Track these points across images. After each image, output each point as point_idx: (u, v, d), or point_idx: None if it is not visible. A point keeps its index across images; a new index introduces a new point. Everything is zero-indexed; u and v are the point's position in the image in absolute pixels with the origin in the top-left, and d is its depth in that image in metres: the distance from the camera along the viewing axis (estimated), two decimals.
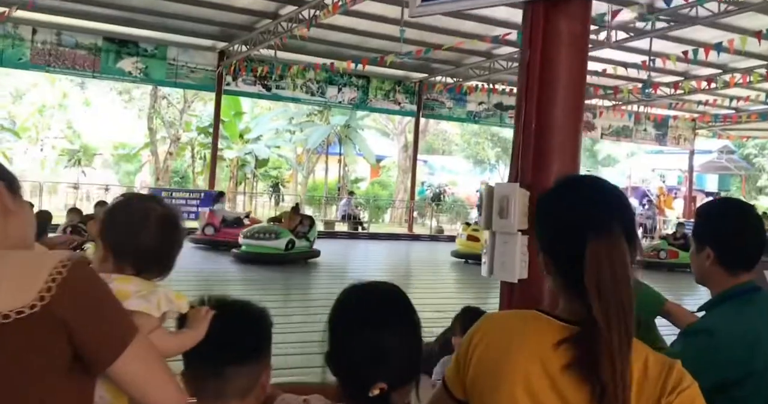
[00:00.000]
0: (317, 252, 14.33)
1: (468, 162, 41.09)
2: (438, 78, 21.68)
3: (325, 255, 14.58)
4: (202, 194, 20.35)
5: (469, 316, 3.54)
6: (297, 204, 15.69)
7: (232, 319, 1.68)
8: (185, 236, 1.87)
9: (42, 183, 20.63)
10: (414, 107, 23.16)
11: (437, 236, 22.83)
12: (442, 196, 30.58)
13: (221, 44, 18.95)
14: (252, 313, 1.75)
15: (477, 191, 33.86)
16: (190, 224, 19.99)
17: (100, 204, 9.61)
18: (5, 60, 17.73)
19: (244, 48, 18.32)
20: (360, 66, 17.10)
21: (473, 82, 21.52)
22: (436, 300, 10.34)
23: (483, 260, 2.17)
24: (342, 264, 15.02)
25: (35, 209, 8.06)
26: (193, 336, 1.62)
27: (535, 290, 1.96)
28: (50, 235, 9.53)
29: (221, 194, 18.02)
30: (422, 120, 26.02)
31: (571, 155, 1.98)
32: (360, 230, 23.16)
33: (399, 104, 22.87)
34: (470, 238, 15.59)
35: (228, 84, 20.08)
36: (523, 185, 1.99)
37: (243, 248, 13.41)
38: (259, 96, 21.73)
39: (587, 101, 21.49)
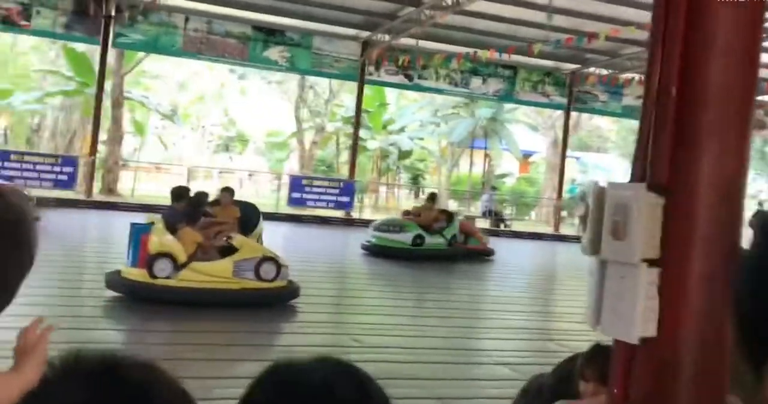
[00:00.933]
0: (460, 251, 13.18)
1: (624, 161, 38.99)
2: (591, 69, 20.38)
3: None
4: (341, 183, 20.20)
5: (602, 358, 2.77)
6: (433, 194, 14.78)
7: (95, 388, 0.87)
8: (34, 249, 1.08)
9: (190, 168, 21.25)
10: (564, 100, 21.96)
11: None
12: None
13: (364, 33, 18.71)
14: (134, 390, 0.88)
15: (569, 194, 30.70)
16: (325, 212, 19.94)
17: (226, 190, 9.42)
18: (159, 47, 18.32)
19: (386, 37, 17.94)
20: (505, 55, 16.24)
21: (630, 74, 20.06)
22: (580, 310, 9.46)
23: (587, 300, 1.46)
24: (477, 263, 14.18)
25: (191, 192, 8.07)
26: (13, 383, 0.97)
27: (668, 355, 1.22)
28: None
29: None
30: (573, 114, 24.69)
31: (734, 145, 1.21)
32: (502, 227, 22.25)
33: (548, 96, 21.74)
34: None
35: (370, 74, 19.81)
36: (652, 187, 1.23)
37: (372, 240, 12.94)
38: (401, 86, 21.33)
39: (758, 98, 19.55)
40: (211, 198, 9.51)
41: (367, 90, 21.70)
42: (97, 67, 18.93)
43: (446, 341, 7.07)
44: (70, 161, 17.98)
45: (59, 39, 20.07)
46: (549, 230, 23.09)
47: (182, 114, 34.74)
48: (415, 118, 29.41)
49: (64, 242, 11.32)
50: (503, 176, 33.23)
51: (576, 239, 17.21)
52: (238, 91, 41.31)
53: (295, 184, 19.67)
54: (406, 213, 13.94)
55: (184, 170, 21.81)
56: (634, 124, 27.09)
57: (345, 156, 29.13)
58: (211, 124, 39.49)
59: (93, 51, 21.48)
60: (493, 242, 19.05)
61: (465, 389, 5.51)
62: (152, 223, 7.43)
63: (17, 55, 30.63)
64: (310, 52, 19.13)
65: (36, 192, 16.88)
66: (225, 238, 7.76)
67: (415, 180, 24.70)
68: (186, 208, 7.63)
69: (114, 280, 7.26)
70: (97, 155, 19.67)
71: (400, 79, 20.15)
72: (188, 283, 7.19)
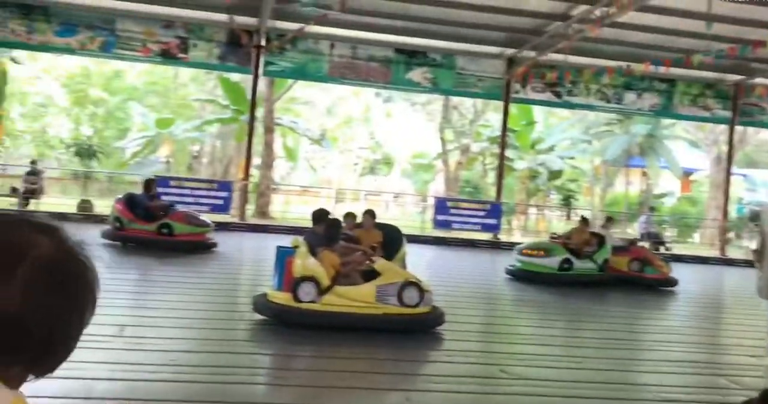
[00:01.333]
0: (605, 277, 12.40)
1: None
2: (758, 80, 18.89)
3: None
4: (488, 205, 19.79)
5: None
6: (584, 217, 14.08)
7: None
8: (93, 300, 0.95)
9: (338, 191, 21.58)
10: (728, 114, 20.48)
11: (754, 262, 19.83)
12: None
13: (509, 51, 18.31)
14: None
15: (736, 214, 28.35)
16: (472, 235, 19.61)
17: (368, 213, 9.32)
18: (307, 73, 18.80)
19: (532, 54, 17.45)
20: (662, 68, 15.32)
21: None
22: (754, 342, 8.57)
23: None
24: (632, 290, 13.32)
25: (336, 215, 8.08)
26: None
27: None
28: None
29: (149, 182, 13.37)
30: (739, 128, 23.02)
31: None
32: (663, 250, 20.94)
33: (709, 109, 20.35)
34: None
35: (517, 92, 19.35)
36: None
37: (517, 264, 12.44)
38: (549, 104, 20.68)
39: None
40: (357, 220, 9.50)
41: (514, 109, 21.24)
42: (249, 96, 19.68)
43: (602, 374, 6.54)
44: (226, 186, 18.71)
45: (214, 69, 21.07)
46: (714, 253, 21.53)
47: (330, 138, 35.62)
48: (565, 136, 28.53)
49: (219, 264, 11.67)
50: (662, 195, 31.55)
51: (745, 263, 15.89)
52: (384, 114, 41.97)
53: (441, 206, 19.47)
54: (555, 236, 13.31)
55: (333, 192, 22.16)
56: None
57: (491, 177, 28.69)
58: (358, 147, 40.30)
59: (246, 80, 22.43)
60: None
61: None
62: (296, 246, 7.42)
63: (178, 87, 32.63)
64: (454, 72, 18.96)
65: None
66: (367, 262, 7.60)
67: (567, 201, 23.79)
68: (325, 231, 7.57)
69: (261, 303, 7.31)
70: (251, 179, 20.38)
71: (547, 96, 19.53)
72: (331, 307, 7.07)
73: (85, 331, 0.93)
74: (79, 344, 0.96)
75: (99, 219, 16.44)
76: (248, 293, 9.86)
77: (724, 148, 26.10)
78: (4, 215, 0.93)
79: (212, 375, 5.42)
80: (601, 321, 9.72)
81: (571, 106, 20.85)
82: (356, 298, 7.14)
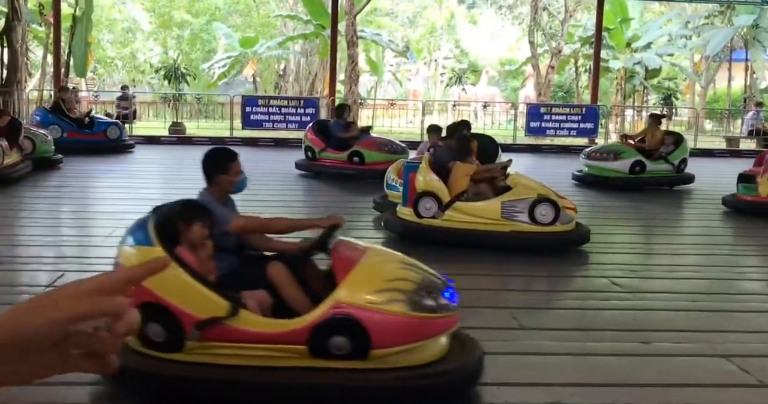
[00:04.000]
0: (685, 177, 11.52)
1: None
2: None
3: (703, 180, 12.10)
4: (583, 109, 18.96)
5: None
6: (655, 114, 12.91)
7: None
8: None
9: (425, 103, 21.08)
10: None
11: None
12: None
13: None
14: None
15: None
16: (568, 140, 18.90)
17: (463, 124, 8.97)
18: None
19: None
20: None
21: None
22: None
23: None
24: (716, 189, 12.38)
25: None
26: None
27: None
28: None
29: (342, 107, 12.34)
30: None
31: None
32: None
33: None
34: None
35: None
36: None
37: (585, 169, 11.73)
38: None
39: None
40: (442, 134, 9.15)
41: (607, 5, 19.95)
42: (330, 9, 19.19)
43: (715, 284, 6.13)
44: (312, 103, 18.54)
45: None
46: None
47: (414, 49, 34.78)
48: (663, 32, 26.83)
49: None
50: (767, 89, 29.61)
51: None
52: (468, 21, 40.57)
53: (533, 112, 18.78)
54: (625, 137, 12.38)
55: (420, 104, 21.70)
56: None
57: (584, 80, 27.49)
58: (444, 57, 39.28)
59: None
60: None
61: (756, 344, 4.65)
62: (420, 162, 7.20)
63: (259, 5, 32.28)
64: None
65: (284, 134, 17.67)
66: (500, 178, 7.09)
67: (667, 101, 22.53)
68: (457, 144, 7.22)
69: (389, 219, 7.18)
70: (337, 95, 20.14)
71: None
72: (453, 223, 6.75)
73: None
74: None
75: (190, 140, 16.64)
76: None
77: None
78: None
79: None
80: (680, 227, 9.21)
81: None
82: (479, 214, 6.74)
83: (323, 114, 18.74)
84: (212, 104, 25.38)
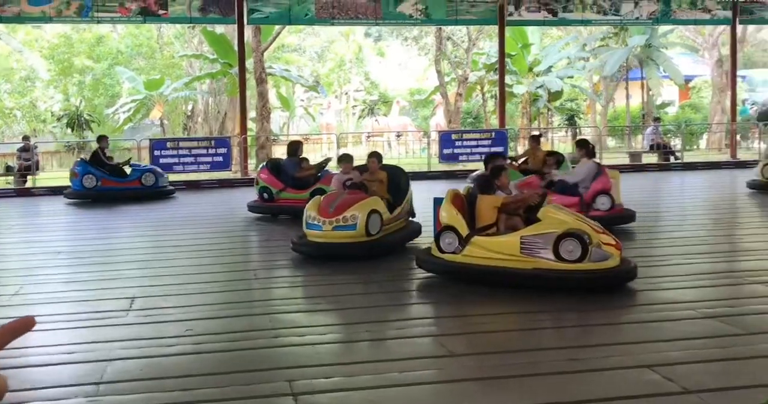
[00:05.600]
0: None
1: None
2: None
3: (632, 192, 12.59)
4: (493, 134, 19.37)
5: None
6: (534, 135, 13.16)
7: None
8: None
9: (339, 136, 21.12)
10: (728, 13, 19.79)
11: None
12: None
13: None
14: None
15: (741, 116, 28.56)
16: (480, 165, 19.22)
17: (373, 155, 8.89)
18: (293, 17, 18.14)
19: None
20: None
21: None
22: None
23: None
24: (648, 201, 13.07)
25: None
26: None
27: None
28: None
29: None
30: (739, 28, 22.32)
31: None
32: (673, 160, 20.57)
33: (709, 11, 19.66)
34: None
35: (510, 14, 18.68)
36: None
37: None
38: (546, 23, 20.00)
39: None
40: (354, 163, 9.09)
41: (507, 33, 20.54)
42: (236, 47, 19.08)
43: (633, 294, 6.26)
44: (223, 142, 18.31)
45: (196, 23, 20.41)
46: (725, 157, 21.14)
47: (324, 83, 34.94)
48: (562, 55, 27.82)
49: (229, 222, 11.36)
50: (664, 105, 30.99)
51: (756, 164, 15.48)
52: (376, 54, 41.12)
53: (445, 139, 19.06)
54: (510, 159, 12.50)
55: (334, 137, 21.73)
56: None
57: (491, 105, 28.15)
58: (354, 90, 39.61)
59: (231, 31, 21.76)
60: (665, 178, 17.69)
61: (675, 352, 4.74)
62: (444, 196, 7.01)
63: (163, 46, 31.85)
64: (445, 0, 18.29)
65: (194, 176, 17.39)
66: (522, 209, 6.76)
67: (571, 121, 23.28)
68: (486, 176, 7.06)
69: (421, 257, 6.93)
70: (249, 133, 19.95)
71: (543, 15, 18.85)
72: (472, 259, 6.45)
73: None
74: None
75: None
76: (266, 251, 9.61)
77: (725, 50, 25.42)
78: None
79: (234, 341, 5.15)
80: None
81: (568, 22, 20.19)
82: (497, 249, 6.34)
83: (235, 153, 18.52)
84: (119, 149, 24.73)
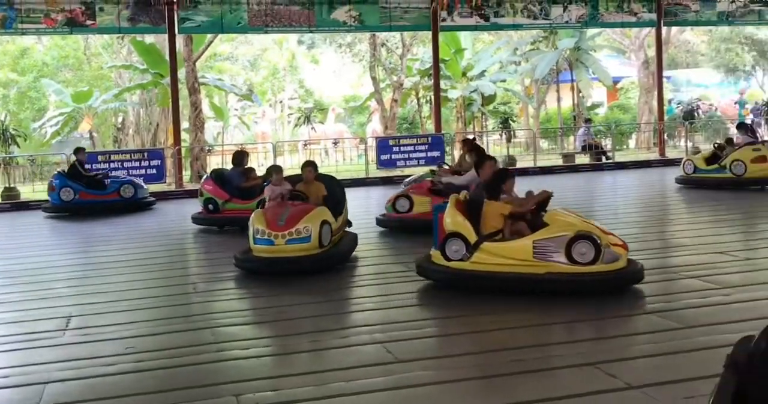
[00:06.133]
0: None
1: (718, 72, 36.82)
2: None
3: (566, 191, 12.90)
4: (429, 138, 19.51)
5: None
6: (466, 139, 13.07)
7: None
8: None
9: (275, 144, 20.94)
10: (653, 16, 20.40)
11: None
12: (695, 113, 27.27)
13: None
14: None
15: (736, 104, 30.00)
16: (417, 170, 19.33)
17: (309, 165, 8.65)
18: (225, 26, 17.94)
19: None
20: None
21: None
22: (715, 239, 8.56)
23: None
24: (582, 201, 13.37)
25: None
26: None
27: None
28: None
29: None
30: (664, 30, 23.02)
31: None
32: (604, 160, 21.07)
33: (635, 14, 20.23)
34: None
35: (444, 20, 18.86)
36: None
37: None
38: (479, 28, 20.29)
39: None
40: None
41: (441, 38, 20.74)
42: (168, 57, 18.76)
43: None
44: (156, 154, 17.96)
45: (126, 33, 19.99)
46: (654, 156, 21.76)
47: (258, 92, 34.63)
48: (494, 60, 28.17)
49: (164, 237, 11.13)
50: (594, 107, 31.70)
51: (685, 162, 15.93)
52: (310, 61, 40.97)
53: (382, 146, 19.09)
54: (441, 165, 12.45)
55: (270, 146, 21.54)
56: (727, 32, 25.65)
57: (426, 110, 28.34)
58: (289, 98, 39.35)
59: (162, 41, 21.35)
60: (598, 178, 18.11)
61: (616, 348, 4.83)
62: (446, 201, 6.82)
63: (90, 57, 31.07)
64: (378, 7, 18.35)
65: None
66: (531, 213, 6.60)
67: (505, 124, 23.68)
68: (489, 181, 6.77)
69: (423, 265, 6.75)
70: (182, 144, 19.61)
71: (475, 20, 19.08)
72: (482, 266, 6.30)
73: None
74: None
75: (26, 206, 15.61)
76: (202, 263, 9.44)
77: (651, 51, 26.16)
78: None
79: (176, 358, 5.03)
80: None
81: (499, 27, 20.50)
82: (510, 255, 6.21)
83: (169, 165, 18.17)
84: (47, 164, 23.97)
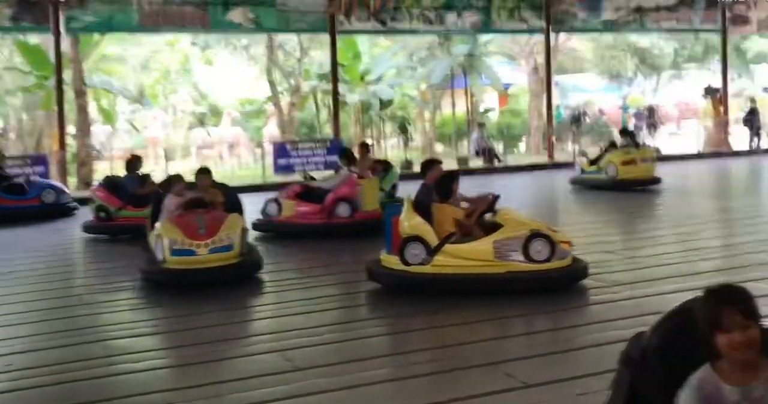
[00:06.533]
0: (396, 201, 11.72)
1: (602, 78, 38.51)
2: None
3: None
4: (328, 143, 19.44)
5: (740, 297, 2.08)
6: (363, 142, 13.50)
7: None
8: None
9: (167, 149, 20.40)
10: (542, 23, 21.10)
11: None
12: (582, 117, 28.35)
13: None
14: None
15: (621, 109, 31.41)
16: (316, 174, 19.24)
17: (203, 172, 8.35)
18: (115, 25, 17.35)
19: None
20: None
21: None
22: (603, 238, 8.89)
23: None
24: None
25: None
26: None
27: None
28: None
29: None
30: (552, 37, 23.83)
31: None
32: (497, 163, 21.59)
33: (526, 22, 20.87)
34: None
35: (342, 24, 18.87)
36: None
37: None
38: (376, 32, 20.44)
39: None
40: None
41: (339, 43, 20.76)
42: (53, 58, 17.93)
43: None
44: (41, 160, 17.11)
45: (7, 32, 19.02)
46: (544, 159, 22.46)
47: (149, 95, 33.63)
48: (391, 65, 28.42)
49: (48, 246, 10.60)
50: (486, 111, 32.46)
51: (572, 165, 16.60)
52: (204, 63, 40.10)
53: (280, 150, 18.87)
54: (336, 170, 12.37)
55: (161, 151, 20.95)
56: (611, 40, 26.65)
57: (325, 114, 28.30)
58: (182, 100, 38.39)
59: (47, 41, 20.39)
60: (491, 180, 18.49)
61: (512, 348, 4.91)
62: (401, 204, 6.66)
63: None
64: (275, 9, 18.14)
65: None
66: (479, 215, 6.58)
67: (403, 128, 23.92)
68: (437, 184, 6.69)
69: (374, 270, 6.53)
70: (68, 149, 18.81)
71: (372, 25, 19.20)
72: (444, 269, 6.23)
73: None
74: None
75: None
76: (92, 273, 9.04)
77: (540, 58, 27.02)
78: None
79: (62, 373, 4.77)
80: None
81: (396, 32, 20.74)
82: (471, 256, 6.21)
83: (54, 171, 17.36)
84: None
